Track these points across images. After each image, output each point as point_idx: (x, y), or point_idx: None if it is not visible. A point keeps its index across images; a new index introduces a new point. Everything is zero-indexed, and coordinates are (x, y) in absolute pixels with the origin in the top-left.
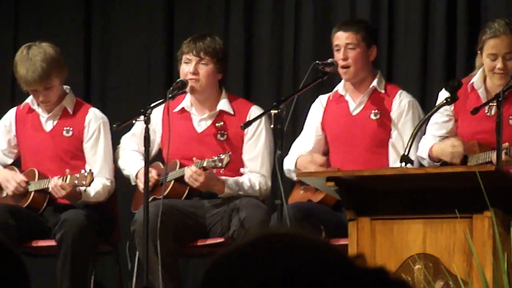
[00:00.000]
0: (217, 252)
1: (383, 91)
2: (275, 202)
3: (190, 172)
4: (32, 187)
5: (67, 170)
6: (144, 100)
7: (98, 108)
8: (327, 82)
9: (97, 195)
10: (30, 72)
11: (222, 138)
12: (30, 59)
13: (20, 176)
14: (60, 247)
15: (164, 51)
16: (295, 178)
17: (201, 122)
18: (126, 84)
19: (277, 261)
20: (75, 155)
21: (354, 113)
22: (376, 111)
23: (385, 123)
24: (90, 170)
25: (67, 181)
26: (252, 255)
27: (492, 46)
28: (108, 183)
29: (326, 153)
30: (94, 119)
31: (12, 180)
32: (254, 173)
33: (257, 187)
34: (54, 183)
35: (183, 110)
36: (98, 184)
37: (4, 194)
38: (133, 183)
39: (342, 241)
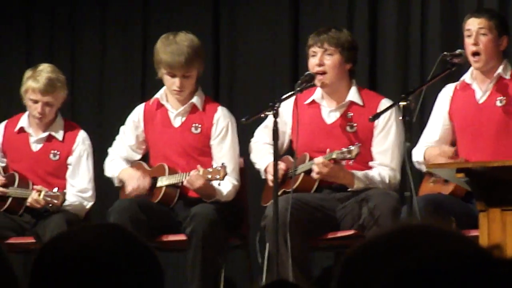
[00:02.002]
0: (349, 245)
1: (508, 77)
2: (405, 194)
3: (317, 163)
4: (162, 182)
5: (199, 165)
6: (271, 94)
7: (226, 102)
8: (455, 73)
9: (228, 194)
10: (175, 55)
11: (351, 130)
12: (177, 43)
13: (146, 181)
14: (190, 241)
15: (289, 45)
16: (424, 170)
17: (330, 113)
18: (253, 78)
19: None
20: (202, 151)
21: (481, 102)
22: (502, 97)
23: (510, 111)
24: (223, 164)
25: (201, 173)
26: (390, 247)
27: None
28: (236, 182)
29: (453, 143)
30: (223, 117)
31: (135, 181)
32: (383, 166)
33: (386, 181)
34: (192, 175)
35: (313, 102)
36: (229, 184)
37: (128, 193)
38: (262, 177)
39: (473, 233)
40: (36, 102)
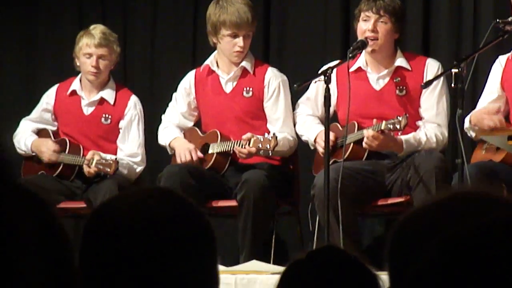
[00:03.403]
0: (399, 212)
1: None
2: (456, 161)
3: (367, 135)
4: (214, 149)
5: (249, 134)
6: (320, 61)
7: (276, 67)
8: (508, 40)
9: (282, 148)
10: (241, 13)
11: (401, 94)
12: (233, 4)
13: (193, 149)
14: (241, 207)
15: (339, 13)
16: (473, 135)
17: (379, 80)
18: (303, 45)
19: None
20: (256, 115)
21: None
22: None
23: None
24: (274, 134)
25: (251, 145)
26: (441, 214)
27: None
28: (291, 138)
29: (507, 113)
30: (274, 78)
31: (187, 152)
32: (429, 123)
33: (434, 139)
34: (240, 144)
35: (359, 69)
36: (283, 138)
37: (180, 161)
38: (311, 148)
39: None
40: (90, 56)
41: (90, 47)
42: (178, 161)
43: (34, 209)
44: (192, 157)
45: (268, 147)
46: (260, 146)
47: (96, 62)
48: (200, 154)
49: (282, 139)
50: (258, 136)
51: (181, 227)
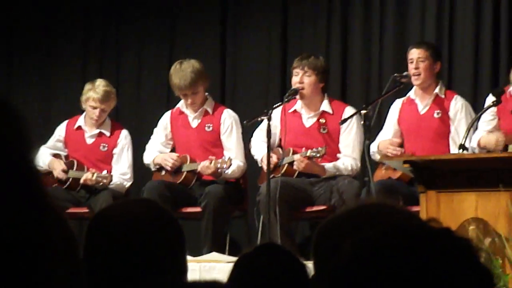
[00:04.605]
0: (322, 217)
1: (443, 96)
2: (364, 179)
3: (296, 159)
4: (185, 168)
5: (212, 156)
6: (265, 103)
7: (230, 107)
8: (403, 89)
9: (233, 174)
10: (182, 80)
11: (324, 132)
12: (182, 70)
13: (172, 154)
14: (204, 212)
15: (279, 67)
16: (378, 158)
17: (308, 119)
18: (250, 92)
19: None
20: (215, 144)
21: (422, 113)
22: (438, 111)
23: (445, 120)
24: (229, 157)
25: (212, 164)
26: (352, 220)
27: None
28: (241, 163)
29: (402, 143)
30: (228, 117)
31: (169, 158)
32: (347, 156)
33: (349, 168)
34: (203, 165)
35: (295, 111)
36: (234, 165)
37: (163, 173)
38: (259, 165)
39: (415, 209)
40: (95, 108)
41: (96, 102)
42: (168, 168)
43: (57, 219)
44: (174, 160)
45: (225, 166)
46: (219, 165)
47: (99, 113)
48: (175, 155)
49: (236, 168)
50: (218, 160)
51: (159, 227)
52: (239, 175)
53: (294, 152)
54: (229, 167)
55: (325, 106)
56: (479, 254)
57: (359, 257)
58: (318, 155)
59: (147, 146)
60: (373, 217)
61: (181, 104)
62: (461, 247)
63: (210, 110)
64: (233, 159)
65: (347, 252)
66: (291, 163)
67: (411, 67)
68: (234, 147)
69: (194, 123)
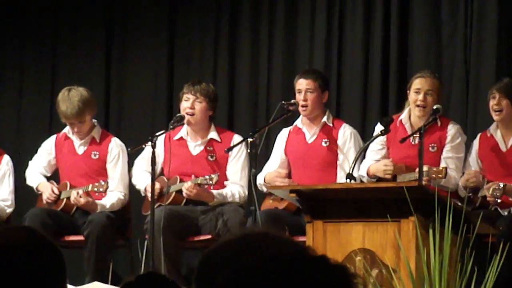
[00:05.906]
0: (208, 246)
1: (331, 124)
2: (250, 208)
3: (187, 187)
4: (63, 195)
5: (90, 185)
6: (151, 130)
7: (115, 135)
8: (291, 117)
9: (112, 206)
10: (69, 109)
11: (211, 159)
12: (70, 99)
13: (54, 188)
14: (87, 241)
15: (165, 93)
16: (265, 190)
17: (196, 147)
18: (136, 117)
19: (255, 251)
20: (100, 173)
21: (309, 142)
22: (326, 139)
23: (333, 149)
24: (107, 181)
25: (89, 189)
26: (236, 248)
27: (417, 83)
28: (121, 196)
29: (289, 172)
30: (115, 146)
31: (51, 193)
32: (234, 184)
33: (237, 195)
34: (74, 196)
35: (181, 138)
36: (114, 197)
37: (45, 202)
38: (143, 195)
39: (301, 239)
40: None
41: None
42: (45, 196)
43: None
44: (50, 193)
45: (102, 190)
46: (96, 189)
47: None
48: (56, 189)
49: (116, 201)
50: (95, 184)
51: (38, 255)
52: (118, 208)
53: (181, 180)
54: (105, 190)
55: (213, 134)
56: (354, 280)
57: (237, 285)
58: (211, 182)
59: (30, 163)
60: (254, 246)
61: (67, 130)
62: (336, 273)
63: (97, 138)
64: (114, 189)
65: (226, 280)
66: (179, 191)
67: (299, 97)
68: (118, 177)
69: (80, 150)
